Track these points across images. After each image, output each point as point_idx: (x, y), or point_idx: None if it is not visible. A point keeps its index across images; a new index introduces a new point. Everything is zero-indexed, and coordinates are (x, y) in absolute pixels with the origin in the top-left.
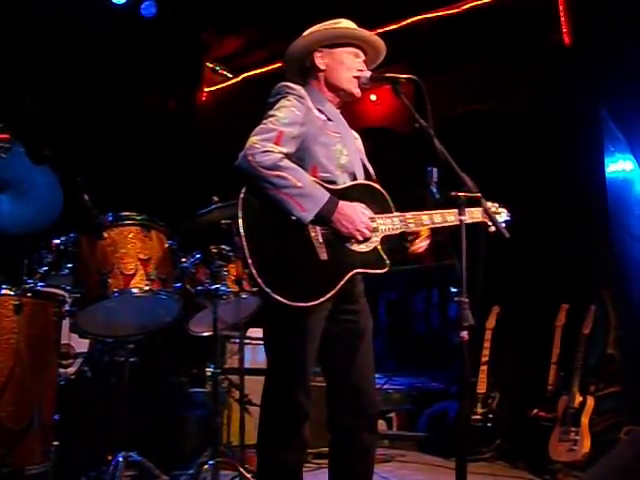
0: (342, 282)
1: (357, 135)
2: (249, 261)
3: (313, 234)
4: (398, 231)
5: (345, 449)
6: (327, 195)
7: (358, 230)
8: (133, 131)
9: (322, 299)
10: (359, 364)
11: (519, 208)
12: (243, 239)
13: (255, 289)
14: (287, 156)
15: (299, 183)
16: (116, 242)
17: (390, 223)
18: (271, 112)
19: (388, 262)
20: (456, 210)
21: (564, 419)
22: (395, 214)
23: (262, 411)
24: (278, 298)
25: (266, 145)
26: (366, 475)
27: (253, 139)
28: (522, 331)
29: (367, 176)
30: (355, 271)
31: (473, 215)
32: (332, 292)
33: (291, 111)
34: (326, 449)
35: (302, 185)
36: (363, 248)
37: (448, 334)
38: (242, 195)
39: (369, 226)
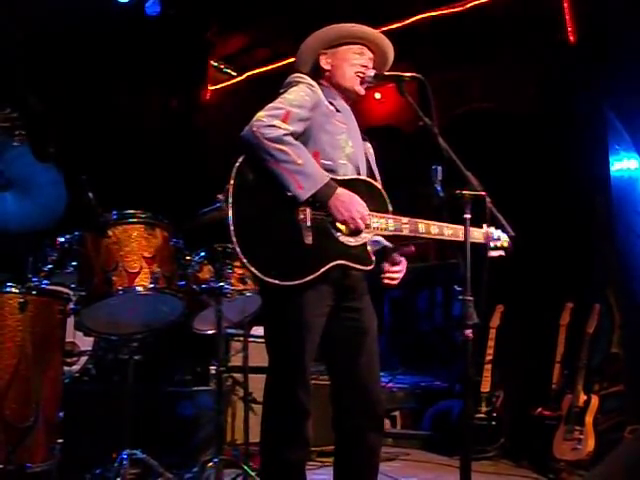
0: (323, 269)
1: (368, 144)
2: (231, 228)
3: (302, 216)
4: (391, 233)
5: (350, 449)
6: (327, 177)
7: (353, 219)
8: (137, 129)
9: (300, 281)
10: (364, 363)
11: (523, 207)
12: (229, 206)
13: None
14: (292, 135)
15: (299, 160)
16: (120, 240)
17: (384, 223)
18: (281, 95)
19: (373, 260)
20: (455, 226)
21: (568, 418)
22: (391, 215)
23: (264, 409)
24: (254, 270)
25: (272, 120)
26: (371, 475)
27: (260, 113)
28: (526, 330)
29: (371, 177)
30: (338, 262)
31: (474, 235)
32: (311, 277)
33: (300, 95)
34: (330, 447)
35: (302, 162)
36: (351, 242)
37: (452, 333)
38: (237, 164)
39: (364, 217)
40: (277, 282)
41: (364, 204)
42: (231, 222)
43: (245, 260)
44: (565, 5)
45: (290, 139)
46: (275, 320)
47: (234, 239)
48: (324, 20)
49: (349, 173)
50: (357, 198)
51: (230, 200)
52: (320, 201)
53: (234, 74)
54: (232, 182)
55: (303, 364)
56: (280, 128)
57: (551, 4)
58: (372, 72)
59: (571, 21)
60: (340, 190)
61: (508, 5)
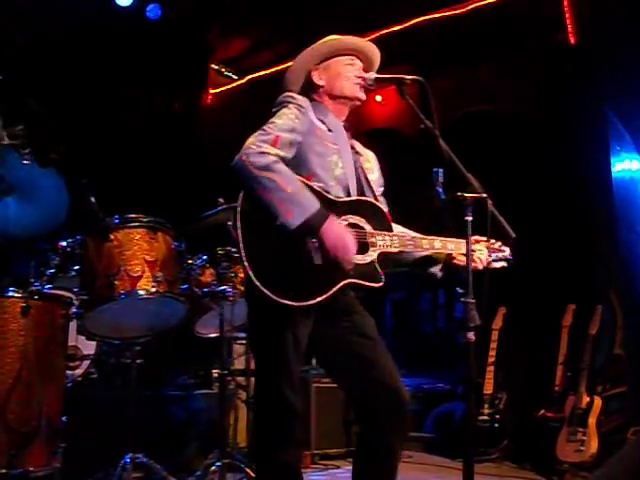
0: (334, 289)
1: (372, 155)
2: (242, 253)
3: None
4: (395, 250)
5: (371, 449)
6: (317, 205)
7: (336, 249)
8: (139, 133)
9: (312, 302)
10: (378, 365)
11: (524, 209)
12: (239, 232)
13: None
14: (284, 160)
15: (288, 188)
16: (122, 244)
17: (389, 241)
18: (271, 120)
19: (383, 277)
20: (458, 240)
21: (571, 419)
22: (395, 233)
23: (255, 412)
24: (267, 293)
25: (262, 146)
26: (389, 477)
27: (250, 140)
28: (529, 332)
29: (368, 192)
30: (348, 280)
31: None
32: (322, 297)
33: (290, 119)
34: (332, 450)
35: (291, 191)
36: (359, 260)
37: (454, 335)
38: (243, 191)
39: (351, 251)
40: (289, 303)
41: (353, 240)
42: (242, 247)
43: (258, 283)
44: (565, 6)
45: (279, 166)
46: (258, 321)
47: (246, 264)
48: (325, 23)
49: (339, 194)
50: (348, 234)
51: (239, 225)
52: (310, 229)
53: (235, 77)
54: (240, 208)
55: (288, 362)
56: (270, 154)
57: (551, 5)
58: (373, 75)
59: (571, 22)
60: (331, 219)
61: (508, 7)
